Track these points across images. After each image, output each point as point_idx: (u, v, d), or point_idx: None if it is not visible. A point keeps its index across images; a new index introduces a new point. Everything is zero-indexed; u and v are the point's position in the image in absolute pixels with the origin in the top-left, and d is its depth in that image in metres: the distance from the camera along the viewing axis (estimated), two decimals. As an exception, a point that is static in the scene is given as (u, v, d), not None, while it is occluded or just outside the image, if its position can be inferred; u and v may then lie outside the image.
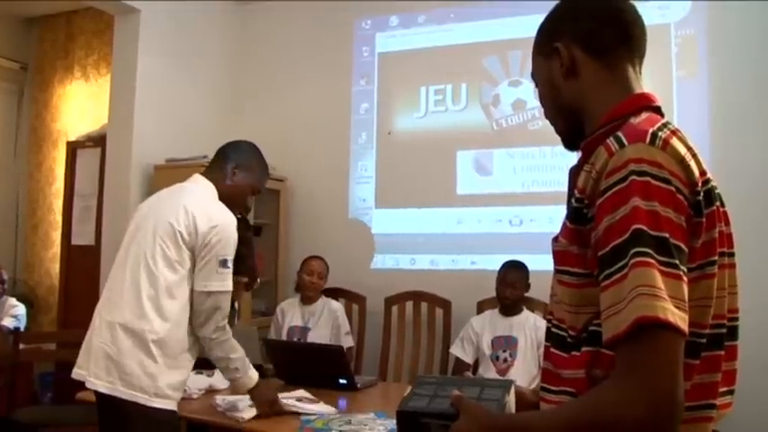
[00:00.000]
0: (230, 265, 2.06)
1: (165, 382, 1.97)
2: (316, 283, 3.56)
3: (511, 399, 1.09)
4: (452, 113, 4.10)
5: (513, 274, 3.27)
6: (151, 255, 2.02)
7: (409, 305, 3.87)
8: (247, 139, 2.42)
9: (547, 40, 1.09)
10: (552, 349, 1.01)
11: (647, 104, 1.02)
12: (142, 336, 1.95)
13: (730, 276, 0.97)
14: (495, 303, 3.42)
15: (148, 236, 2.05)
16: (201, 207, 2.08)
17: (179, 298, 2.03)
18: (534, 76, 1.15)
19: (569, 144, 1.12)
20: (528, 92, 3.87)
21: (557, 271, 1.01)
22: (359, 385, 2.80)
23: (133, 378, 1.94)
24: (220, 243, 2.03)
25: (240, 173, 2.25)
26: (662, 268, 0.82)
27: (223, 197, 2.20)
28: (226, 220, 2.08)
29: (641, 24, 1.07)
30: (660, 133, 0.91)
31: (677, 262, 0.84)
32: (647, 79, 1.09)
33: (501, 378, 1.15)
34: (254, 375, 2.19)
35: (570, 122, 1.09)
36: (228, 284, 2.07)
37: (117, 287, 2.06)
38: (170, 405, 2.00)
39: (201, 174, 2.26)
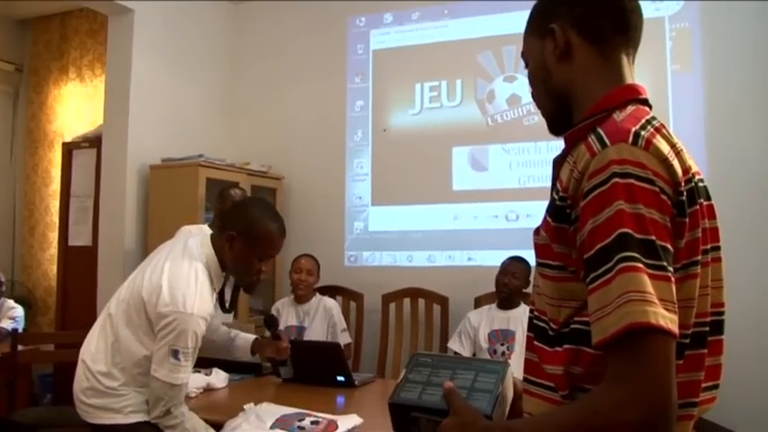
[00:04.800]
0: (182, 357, 1.89)
1: (138, 399, 1.99)
2: (305, 280, 3.55)
3: (506, 386, 1.08)
4: (447, 110, 4.10)
5: (515, 266, 3.30)
6: (124, 309, 2.00)
7: (407, 302, 3.88)
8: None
9: (542, 21, 1.06)
10: (536, 342, 1.01)
11: (633, 97, 1.00)
12: (101, 380, 1.98)
13: (714, 271, 0.96)
14: (492, 298, 3.43)
15: (133, 289, 2.01)
16: (174, 284, 1.92)
17: (139, 364, 1.97)
18: (525, 55, 1.12)
19: (555, 128, 1.10)
20: (523, 87, 3.87)
21: (538, 264, 1.01)
22: (357, 382, 2.79)
23: (106, 404, 1.97)
24: (174, 333, 1.89)
25: (239, 243, 2.05)
26: (650, 271, 0.82)
27: (226, 267, 2.09)
28: (188, 310, 1.89)
29: (640, 14, 1.05)
30: (643, 132, 0.90)
31: (665, 264, 0.84)
32: (642, 74, 1.08)
33: (496, 361, 1.14)
34: None
35: (558, 106, 1.07)
36: (179, 378, 1.90)
37: (96, 327, 2.07)
38: (149, 417, 2.00)
39: (213, 234, 2.14)
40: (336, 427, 2.08)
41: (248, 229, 2.05)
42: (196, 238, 2.11)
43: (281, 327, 3.53)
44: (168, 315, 1.89)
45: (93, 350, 2.01)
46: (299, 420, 2.11)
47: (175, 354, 1.88)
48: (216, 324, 2.39)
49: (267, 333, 2.57)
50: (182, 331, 1.89)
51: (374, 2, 4.31)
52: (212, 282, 2.06)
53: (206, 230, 2.18)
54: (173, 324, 1.89)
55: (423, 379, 1.08)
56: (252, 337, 2.49)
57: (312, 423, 2.10)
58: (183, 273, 1.96)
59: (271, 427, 2.05)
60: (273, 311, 3.62)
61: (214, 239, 2.10)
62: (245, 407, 2.23)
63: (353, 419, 2.15)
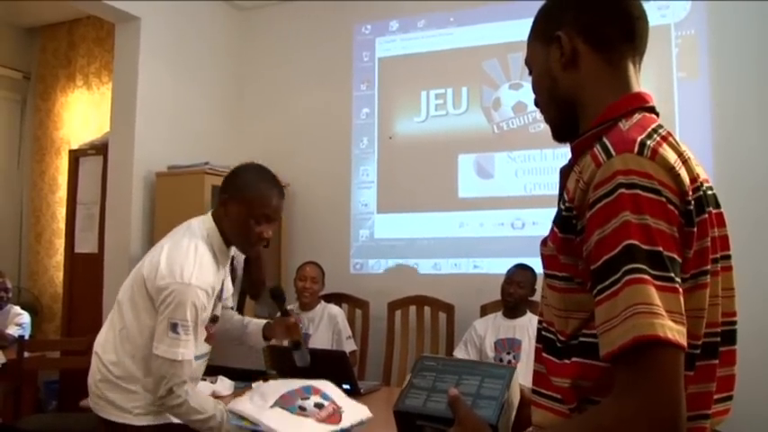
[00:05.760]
0: (182, 331, 1.84)
1: (147, 400, 1.95)
2: (309, 288, 3.55)
3: (512, 392, 1.07)
4: (453, 117, 4.10)
5: (520, 274, 3.29)
6: (129, 295, 1.98)
7: (412, 310, 3.87)
8: (251, 161, 2.22)
9: (547, 27, 1.04)
10: (545, 354, 0.99)
11: (640, 105, 0.99)
12: (111, 370, 1.96)
13: (725, 279, 0.95)
14: (498, 307, 3.42)
15: (136, 272, 1.99)
16: (172, 258, 1.90)
17: (145, 346, 1.93)
18: (528, 62, 1.10)
19: (559, 135, 1.08)
20: (529, 95, 3.84)
21: (546, 275, 1.00)
22: (362, 390, 2.79)
23: (116, 399, 1.94)
24: (172, 305, 1.84)
25: (234, 206, 2.01)
26: (657, 283, 0.80)
27: (227, 235, 2.05)
28: (185, 281, 1.86)
29: (646, 21, 1.03)
30: (649, 141, 0.88)
31: (672, 275, 0.82)
32: (648, 81, 1.07)
33: (502, 365, 1.12)
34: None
35: (563, 113, 1.05)
36: (179, 353, 1.84)
37: (108, 318, 2.06)
38: (160, 419, 1.96)
39: (214, 210, 2.12)
40: (340, 419, 1.98)
41: (241, 191, 2.02)
42: (199, 218, 2.11)
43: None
44: (166, 287, 1.85)
45: (103, 340, 2.00)
46: (303, 399, 2.02)
47: (174, 327, 1.84)
48: (229, 313, 2.37)
49: (278, 314, 2.50)
50: (179, 302, 1.84)
51: (380, 10, 4.32)
52: (216, 257, 2.03)
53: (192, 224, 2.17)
54: (171, 296, 1.85)
55: (428, 385, 1.07)
56: (263, 321, 2.46)
57: (316, 405, 2.00)
58: (183, 247, 1.94)
59: (272, 406, 1.96)
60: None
61: (215, 214, 2.08)
62: (252, 384, 2.20)
63: (361, 412, 2.05)
